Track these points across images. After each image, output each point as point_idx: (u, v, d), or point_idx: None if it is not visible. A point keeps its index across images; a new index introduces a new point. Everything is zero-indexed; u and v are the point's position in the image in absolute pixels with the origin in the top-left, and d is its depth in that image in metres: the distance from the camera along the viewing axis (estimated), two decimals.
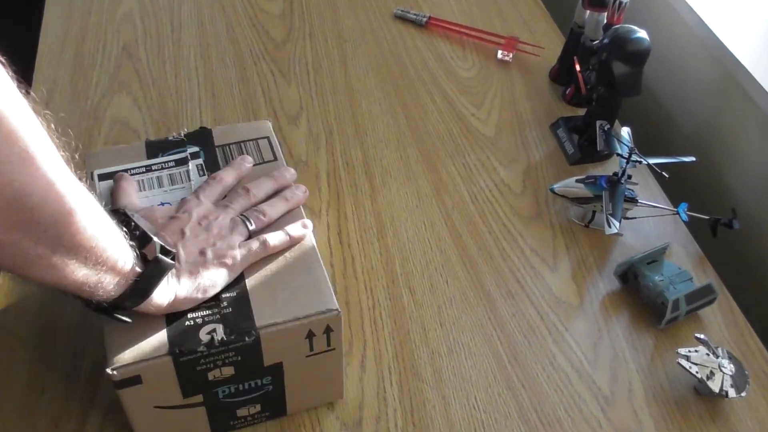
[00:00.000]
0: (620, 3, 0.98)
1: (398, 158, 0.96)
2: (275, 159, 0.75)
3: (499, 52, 1.13)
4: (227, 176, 0.70)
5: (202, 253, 0.62)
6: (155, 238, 0.57)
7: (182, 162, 0.72)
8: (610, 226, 0.82)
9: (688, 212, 0.88)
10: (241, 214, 0.67)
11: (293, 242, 0.67)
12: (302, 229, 0.67)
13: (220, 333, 0.58)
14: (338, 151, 0.96)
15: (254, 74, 1.07)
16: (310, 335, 0.62)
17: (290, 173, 0.73)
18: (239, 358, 0.60)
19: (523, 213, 0.91)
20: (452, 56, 1.13)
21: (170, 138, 0.75)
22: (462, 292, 0.82)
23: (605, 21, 1.00)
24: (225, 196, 0.69)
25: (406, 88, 1.07)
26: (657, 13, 1.15)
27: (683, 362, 0.72)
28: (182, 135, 0.75)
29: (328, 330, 0.62)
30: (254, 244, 0.64)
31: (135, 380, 0.58)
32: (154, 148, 0.74)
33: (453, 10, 1.21)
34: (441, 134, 1.00)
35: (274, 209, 0.69)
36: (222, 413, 0.65)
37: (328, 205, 0.90)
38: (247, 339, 0.59)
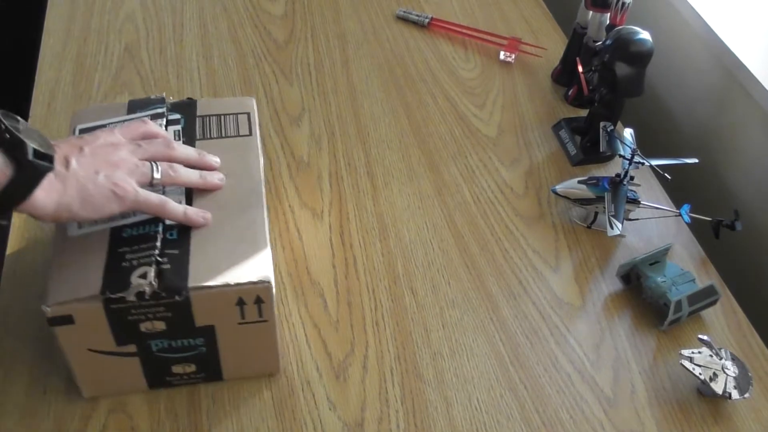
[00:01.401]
0: (623, 3, 0.98)
1: (400, 159, 0.96)
2: (250, 134, 0.76)
3: (502, 53, 1.13)
4: (155, 126, 0.69)
5: (96, 172, 0.61)
6: (28, 141, 0.56)
7: (158, 117, 0.75)
8: (612, 228, 0.82)
9: (690, 214, 0.88)
10: (152, 161, 0.65)
11: (186, 223, 0.65)
12: (201, 218, 0.66)
13: (150, 276, 0.60)
14: (340, 152, 0.96)
15: (256, 75, 1.07)
16: (241, 303, 0.63)
17: (215, 161, 0.71)
18: (170, 315, 0.62)
19: (525, 214, 0.91)
20: (454, 57, 1.13)
21: (152, 97, 0.78)
22: (464, 293, 0.82)
23: (608, 22, 1.00)
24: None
25: (408, 88, 1.07)
26: (659, 14, 1.15)
27: (686, 363, 0.72)
28: (163, 95, 0.78)
29: (259, 300, 0.63)
30: (155, 199, 0.64)
31: (67, 320, 0.60)
32: (135, 106, 0.77)
33: (455, 11, 1.21)
34: (443, 135, 1.00)
35: (186, 174, 0.67)
36: (157, 367, 0.67)
37: (330, 206, 0.90)
38: (177, 297, 0.61)
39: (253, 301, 0.63)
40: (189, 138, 0.74)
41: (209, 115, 0.77)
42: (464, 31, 1.17)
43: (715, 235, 0.88)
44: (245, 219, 0.68)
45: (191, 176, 0.68)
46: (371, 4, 1.22)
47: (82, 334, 0.62)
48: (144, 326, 0.63)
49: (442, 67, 1.11)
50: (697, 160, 0.92)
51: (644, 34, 0.88)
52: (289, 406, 0.71)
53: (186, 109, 0.77)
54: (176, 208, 0.65)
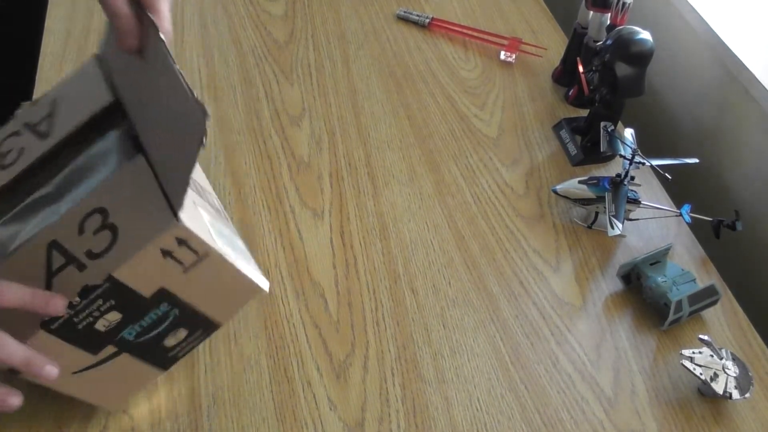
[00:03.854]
0: (623, 4, 0.98)
1: (401, 159, 0.96)
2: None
3: (502, 53, 1.13)
4: None
5: None
6: None
7: None
8: (612, 228, 0.82)
9: (691, 214, 0.88)
10: None
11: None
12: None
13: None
14: (341, 152, 0.96)
15: (257, 75, 1.07)
16: (167, 253, 0.59)
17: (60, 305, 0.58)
18: (113, 302, 0.59)
19: (525, 214, 0.91)
20: (455, 57, 1.13)
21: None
22: (465, 294, 0.82)
23: (608, 22, 1.00)
24: None
25: (409, 89, 1.07)
26: (660, 14, 1.15)
27: (687, 363, 0.72)
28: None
29: (181, 242, 0.59)
30: None
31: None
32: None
33: (455, 11, 1.21)
34: (443, 135, 1.00)
35: (9, 353, 0.56)
36: (150, 351, 0.65)
37: (331, 206, 0.90)
38: (100, 284, 0.57)
39: (176, 244, 0.58)
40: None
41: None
42: (464, 31, 1.17)
43: (715, 235, 0.88)
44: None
45: (14, 355, 0.56)
46: (371, 4, 1.22)
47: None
48: (100, 325, 0.60)
49: (443, 68, 1.11)
50: (697, 160, 0.92)
51: (645, 34, 0.88)
52: (290, 407, 0.71)
53: None
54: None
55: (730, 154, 1.03)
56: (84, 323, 0.59)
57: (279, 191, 0.91)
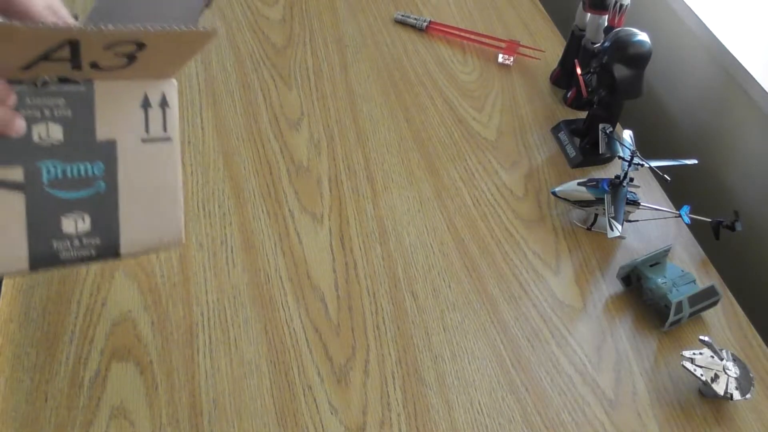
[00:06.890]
0: (621, 5, 0.98)
1: (400, 162, 0.96)
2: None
3: (500, 55, 1.13)
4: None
5: None
6: None
7: None
8: (612, 229, 0.82)
9: (690, 215, 0.88)
10: None
11: None
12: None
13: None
14: (340, 156, 0.97)
15: (255, 80, 1.07)
16: (146, 104, 0.57)
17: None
18: (68, 115, 0.54)
19: (525, 216, 0.91)
20: (453, 60, 1.13)
21: None
22: (465, 297, 0.82)
23: (606, 24, 1.00)
24: None
25: (407, 92, 1.07)
26: (657, 16, 1.15)
27: (687, 365, 0.72)
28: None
29: (163, 103, 0.57)
30: None
31: None
32: None
33: (453, 14, 1.22)
34: (442, 138, 1.00)
35: None
36: (44, 215, 0.55)
37: (330, 210, 0.90)
38: (78, 82, 0.53)
39: (158, 102, 0.57)
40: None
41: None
42: (462, 34, 1.17)
43: (715, 235, 0.88)
44: None
45: None
46: (369, 8, 1.22)
47: None
48: (37, 131, 0.53)
49: (441, 71, 1.11)
50: (696, 161, 0.92)
51: (642, 36, 0.89)
52: (291, 411, 0.71)
53: None
54: None
55: (728, 154, 1.03)
56: (29, 111, 0.53)
57: (278, 196, 0.91)
